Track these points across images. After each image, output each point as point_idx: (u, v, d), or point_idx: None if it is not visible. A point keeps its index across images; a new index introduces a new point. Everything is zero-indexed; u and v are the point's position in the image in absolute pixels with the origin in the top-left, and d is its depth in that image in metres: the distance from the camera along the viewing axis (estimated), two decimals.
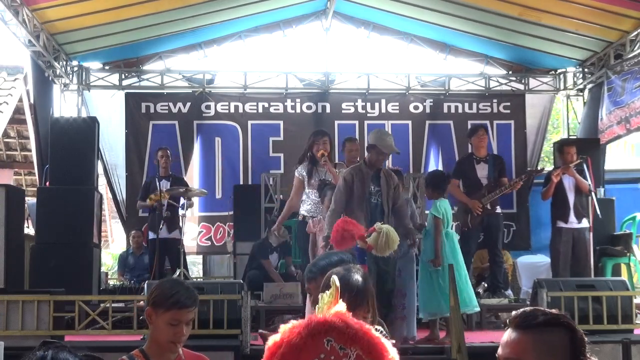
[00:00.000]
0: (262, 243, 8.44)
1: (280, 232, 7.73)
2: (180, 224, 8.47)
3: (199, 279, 11.39)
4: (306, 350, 1.65)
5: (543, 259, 9.58)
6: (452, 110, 10.79)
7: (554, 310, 1.83)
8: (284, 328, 1.70)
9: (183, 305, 2.81)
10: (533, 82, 11.02)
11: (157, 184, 8.37)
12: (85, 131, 8.55)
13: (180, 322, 2.81)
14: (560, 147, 8.59)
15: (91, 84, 10.49)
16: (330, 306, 1.74)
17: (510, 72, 11.08)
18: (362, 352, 1.65)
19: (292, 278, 8.21)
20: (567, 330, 1.78)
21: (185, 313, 2.83)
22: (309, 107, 10.68)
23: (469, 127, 10.39)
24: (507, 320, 1.85)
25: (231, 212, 9.86)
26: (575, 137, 10.59)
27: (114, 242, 18.31)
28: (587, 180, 7.74)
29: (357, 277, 2.56)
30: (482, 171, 8.10)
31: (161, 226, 8.40)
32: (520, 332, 1.80)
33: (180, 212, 8.48)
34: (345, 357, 1.65)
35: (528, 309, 1.84)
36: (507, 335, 1.83)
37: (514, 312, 1.85)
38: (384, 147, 6.07)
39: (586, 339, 1.79)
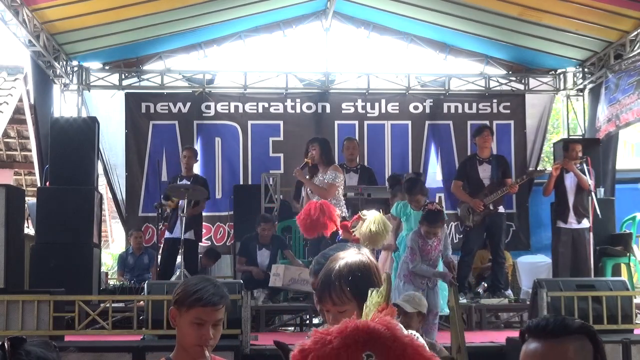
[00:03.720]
0: (245, 240, 8.42)
1: None
2: (181, 224, 8.45)
3: None
4: None
5: (543, 259, 9.59)
6: (452, 111, 10.78)
7: (576, 319, 1.72)
8: (314, 332, 1.38)
9: (208, 302, 2.48)
10: (533, 82, 11.01)
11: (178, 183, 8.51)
12: (85, 131, 8.54)
13: (205, 322, 2.48)
14: (566, 144, 8.64)
15: (91, 84, 10.49)
16: (379, 310, 1.38)
17: (510, 72, 11.07)
18: None
19: None
20: (590, 338, 1.67)
21: (211, 312, 2.49)
22: (309, 107, 10.67)
23: (469, 127, 10.43)
24: (526, 332, 1.68)
25: (231, 212, 9.87)
26: (581, 136, 10.60)
27: (114, 242, 18.31)
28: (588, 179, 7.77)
29: (363, 258, 2.16)
30: (484, 172, 8.14)
31: (175, 226, 8.44)
32: (552, 341, 1.62)
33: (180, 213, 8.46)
34: None
35: (549, 318, 1.67)
36: (536, 346, 1.63)
37: (534, 323, 1.67)
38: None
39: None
